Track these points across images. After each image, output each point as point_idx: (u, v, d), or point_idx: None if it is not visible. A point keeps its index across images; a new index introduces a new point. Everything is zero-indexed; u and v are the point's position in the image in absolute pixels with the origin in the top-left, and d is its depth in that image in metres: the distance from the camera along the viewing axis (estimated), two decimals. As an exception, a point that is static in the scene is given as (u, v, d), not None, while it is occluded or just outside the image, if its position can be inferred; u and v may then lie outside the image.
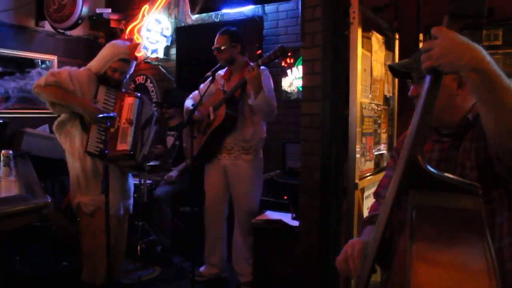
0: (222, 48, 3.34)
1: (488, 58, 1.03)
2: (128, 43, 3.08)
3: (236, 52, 3.38)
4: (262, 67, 3.25)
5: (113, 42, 3.17)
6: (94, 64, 3.07)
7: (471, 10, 1.07)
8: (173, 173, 4.43)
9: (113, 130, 2.95)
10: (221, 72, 3.51)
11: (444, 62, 1.05)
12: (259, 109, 3.25)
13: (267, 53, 3.18)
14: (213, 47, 3.40)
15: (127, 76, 3.18)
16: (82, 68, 3.07)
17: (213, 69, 3.27)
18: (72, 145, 3.01)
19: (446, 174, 1.10)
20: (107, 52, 3.04)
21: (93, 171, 2.98)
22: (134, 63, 3.15)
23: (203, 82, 3.39)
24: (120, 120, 3.00)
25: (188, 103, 3.57)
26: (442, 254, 0.92)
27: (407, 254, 0.95)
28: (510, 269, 1.24)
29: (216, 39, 3.41)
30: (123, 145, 2.96)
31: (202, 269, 3.69)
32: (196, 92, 3.59)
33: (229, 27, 3.48)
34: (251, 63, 3.20)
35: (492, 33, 3.61)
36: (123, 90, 3.25)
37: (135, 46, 3.08)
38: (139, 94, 3.15)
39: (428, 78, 1.14)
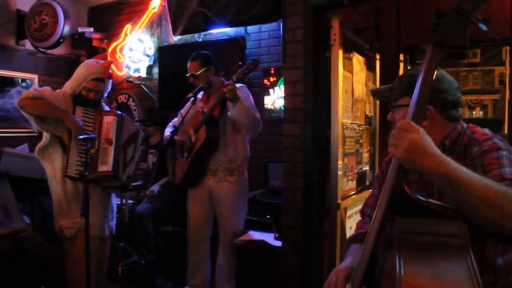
0: (197, 74, 3.34)
1: (448, 159, 1.07)
2: (101, 61, 3.06)
3: (211, 75, 3.38)
4: (240, 84, 3.27)
5: (86, 61, 3.12)
6: (68, 85, 3.03)
7: (454, 40, 1.11)
8: (154, 187, 4.39)
9: (93, 151, 2.91)
10: (199, 95, 3.50)
11: (406, 162, 1.09)
12: (240, 120, 3.19)
13: (240, 69, 3.17)
14: (187, 75, 3.39)
15: (105, 95, 3.15)
16: (57, 91, 3.03)
17: (195, 90, 3.26)
18: (54, 169, 2.97)
19: (432, 201, 1.13)
20: (80, 72, 3.00)
21: (74, 194, 2.94)
22: (110, 82, 3.11)
23: (184, 105, 3.38)
24: (99, 140, 2.96)
25: (168, 131, 3.54)
26: (430, 280, 0.94)
27: (396, 282, 0.96)
28: None
29: (188, 66, 3.40)
30: (104, 166, 2.91)
31: (184, 290, 3.64)
32: (176, 119, 3.59)
33: (199, 52, 3.45)
34: (227, 81, 3.20)
35: (471, 52, 3.71)
36: (106, 107, 3.21)
37: (108, 64, 3.05)
38: (119, 112, 3.10)
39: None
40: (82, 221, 2.63)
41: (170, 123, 3.65)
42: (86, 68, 3.01)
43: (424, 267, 0.98)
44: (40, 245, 3.72)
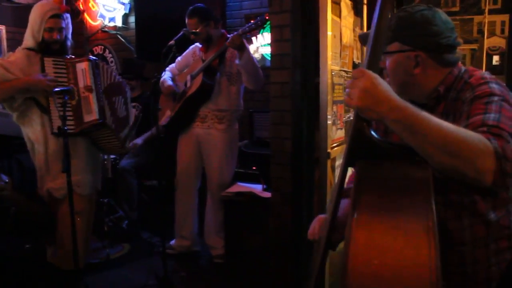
0: (197, 30, 3.30)
1: (406, 104, 0.99)
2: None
3: (211, 29, 3.36)
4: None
5: (37, 4, 2.89)
6: (28, 36, 2.82)
7: None
8: (138, 140, 4.27)
9: (74, 103, 2.76)
10: (199, 44, 3.49)
11: (362, 111, 1.01)
12: (246, 69, 3.19)
13: (248, 24, 3.14)
14: (187, 32, 3.32)
15: (69, 36, 2.93)
16: (16, 51, 2.83)
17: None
18: (34, 131, 2.83)
19: (392, 142, 1.09)
20: (34, 16, 2.79)
21: (58, 154, 2.81)
22: (69, 18, 2.91)
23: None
24: (78, 90, 2.80)
25: (166, 75, 3.56)
26: (384, 221, 0.92)
27: (348, 223, 0.95)
28: None
29: (187, 23, 3.35)
30: (90, 116, 2.77)
31: (172, 242, 3.63)
32: (173, 65, 3.58)
33: (195, 7, 3.38)
34: (229, 35, 3.20)
35: (450, 0, 3.61)
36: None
37: None
38: (91, 57, 2.93)
39: None
40: (71, 181, 2.53)
41: (167, 68, 3.61)
42: (39, 8, 2.79)
43: (379, 209, 0.95)
44: (22, 204, 3.63)
